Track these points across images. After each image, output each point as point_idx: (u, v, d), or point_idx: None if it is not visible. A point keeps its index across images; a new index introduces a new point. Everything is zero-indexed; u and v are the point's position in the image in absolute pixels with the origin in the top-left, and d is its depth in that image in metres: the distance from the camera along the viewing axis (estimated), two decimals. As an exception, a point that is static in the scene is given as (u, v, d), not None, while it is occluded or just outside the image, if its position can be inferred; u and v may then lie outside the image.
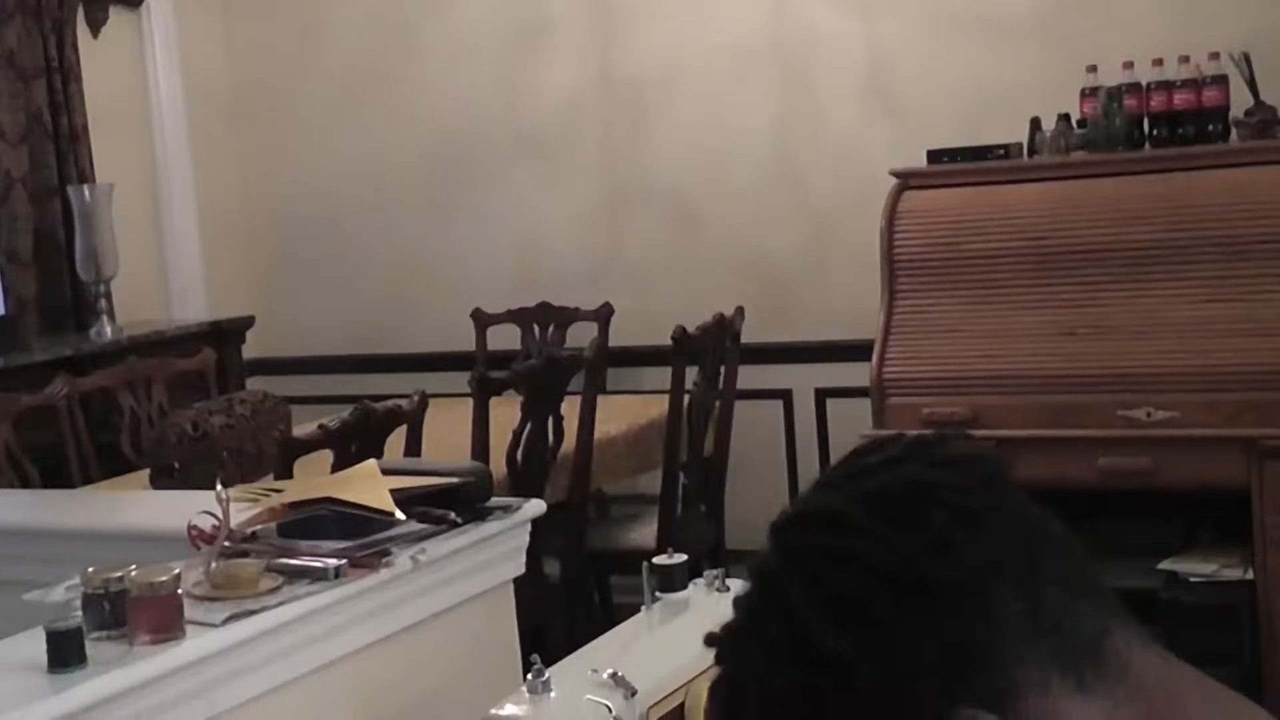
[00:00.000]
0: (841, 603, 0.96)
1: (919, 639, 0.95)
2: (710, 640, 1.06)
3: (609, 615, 4.12)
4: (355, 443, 3.30)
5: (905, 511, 0.99)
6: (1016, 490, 1.04)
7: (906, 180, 4.14)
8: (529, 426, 3.83)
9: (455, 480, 2.09)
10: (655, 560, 1.82)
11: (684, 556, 1.83)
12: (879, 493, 1.00)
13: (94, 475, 4.23)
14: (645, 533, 4.23)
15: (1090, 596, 1.00)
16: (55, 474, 4.15)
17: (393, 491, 2.03)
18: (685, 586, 1.82)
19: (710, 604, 1.77)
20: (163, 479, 3.60)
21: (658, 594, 1.81)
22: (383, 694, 1.98)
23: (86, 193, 4.95)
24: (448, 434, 3.80)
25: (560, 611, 3.81)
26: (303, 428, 3.57)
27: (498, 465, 3.52)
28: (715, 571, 1.83)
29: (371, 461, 2.21)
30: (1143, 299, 3.85)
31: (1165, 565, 3.82)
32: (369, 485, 2.05)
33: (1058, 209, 3.98)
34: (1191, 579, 3.78)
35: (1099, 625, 0.98)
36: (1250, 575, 3.71)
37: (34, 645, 1.64)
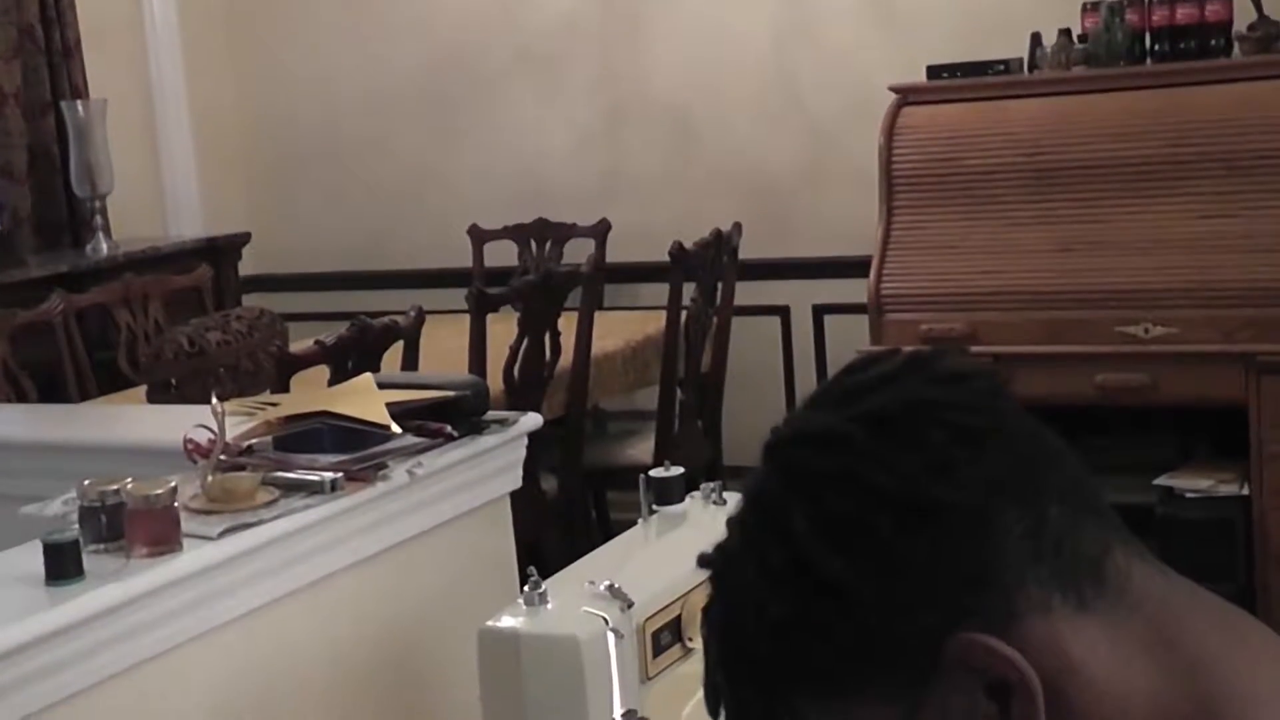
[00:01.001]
0: (841, 525, 0.96)
1: (920, 561, 0.94)
2: (704, 562, 1.06)
3: (605, 531, 4.14)
4: (352, 358, 3.29)
5: (904, 431, 0.98)
6: (1016, 407, 1.03)
7: (906, 96, 4.11)
8: (526, 342, 3.83)
9: (451, 394, 2.09)
10: (652, 473, 1.82)
11: (681, 469, 1.83)
12: (877, 412, 0.99)
13: (91, 391, 4.23)
14: (642, 448, 4.23)
15: (1091, 514, 0.99)
16: (52, 390, 4.15)
17: (389, 405, 2.02)
18: (682, 499, 1.82)
19: (707, 517, 1.77)
20: (159, 395, 3.60)
21: (654, 507, 1.81)
22: (380, 607, 1.98)
23: (80, 108, 4.91)
24: (445, 350, 3.80)
25: (557, 527, 3.82)
26: (299, 344, 3.57)
27: (495, 381, 3.51)
28: (712, 484, 1.83)
29: (367, 375, 2.20)
30: (1142, 215, 3.84)
31: (1162, 481, 3.83)
32: (365, 399, 2.05)
33: (1058, 125, 3.96)
34: (1188, 495, 3.79)
35: (1099, 543, 0.98)
36: (1246, 491, 3.72)
37: (31, 558, 1.64)
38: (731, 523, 1.04)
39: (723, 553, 1.04)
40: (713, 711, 1.07)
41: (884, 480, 0.96)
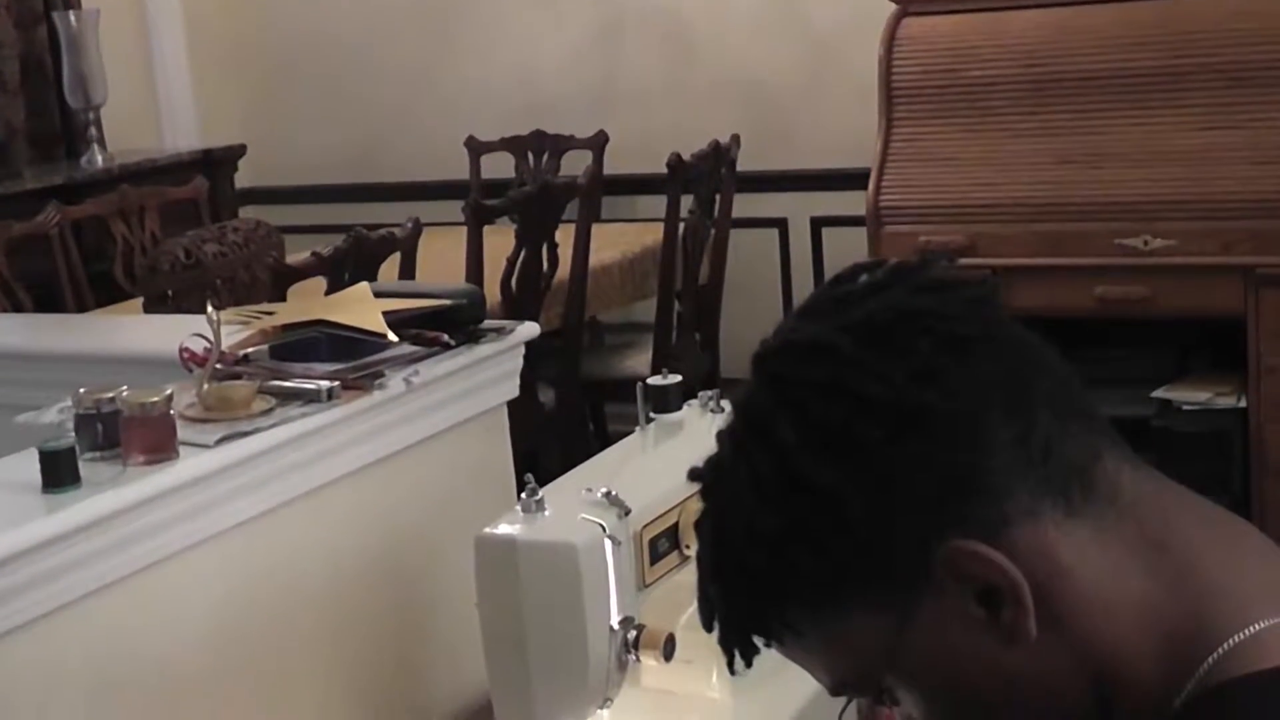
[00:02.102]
0: (830, 435, 0.96)
1: (909, 469, 0.94)
2: (695, 475, 1.06)
3: (603, 442, 4.14)
4: (348, 270, 3.29)
5: (893, 340, 0.97)
6: (1004, 315, 1.03)
7: (905, 7, 4.08)
8: (523, 254, 3.82)
9: (448, 302, 2.08)
10: (649, 381, 1.81)
11: (678, 377, 1.82)
12: (865, 321, 0.99)
13: (88, 304, 4.23)
14: (640, 360, 4.23)
15: (1080, 420, 0.99)
16: (49, 303, 4.15)
17: (385, 314, 2.01)
18: (680, 408, 1.82)
19: (705, 425, 1.76)
20: (156, 307, 3.59)
21: (652, 415, 1.80)
22: (377, 516, 1.98)
23: (72, 19, 4.88)
24: (442, 262, 3.79)
25: (554, 439, 3.83)
26: (296, 256, 3.55)
27: (492, 293, 3.51)
28: (710, 393, 1.82)
29: (363, 284, 2.19)
30: (1142, 126, 3.81)
31: (1159, 394, 3.83)
32: (361, 307, 2.04)
33: (1057, 36, 3.93)
34: (1184, 407, 3.80)
35: (1089, 449, 0.98)
36: (1243, 403, 3.73)
37: (28, 466, 1.64)
38: (722, 435, 1.04)
39: (713, 465, 1.04)
40: (706, 624, 1.07)
41: (873, 389, 0.96)
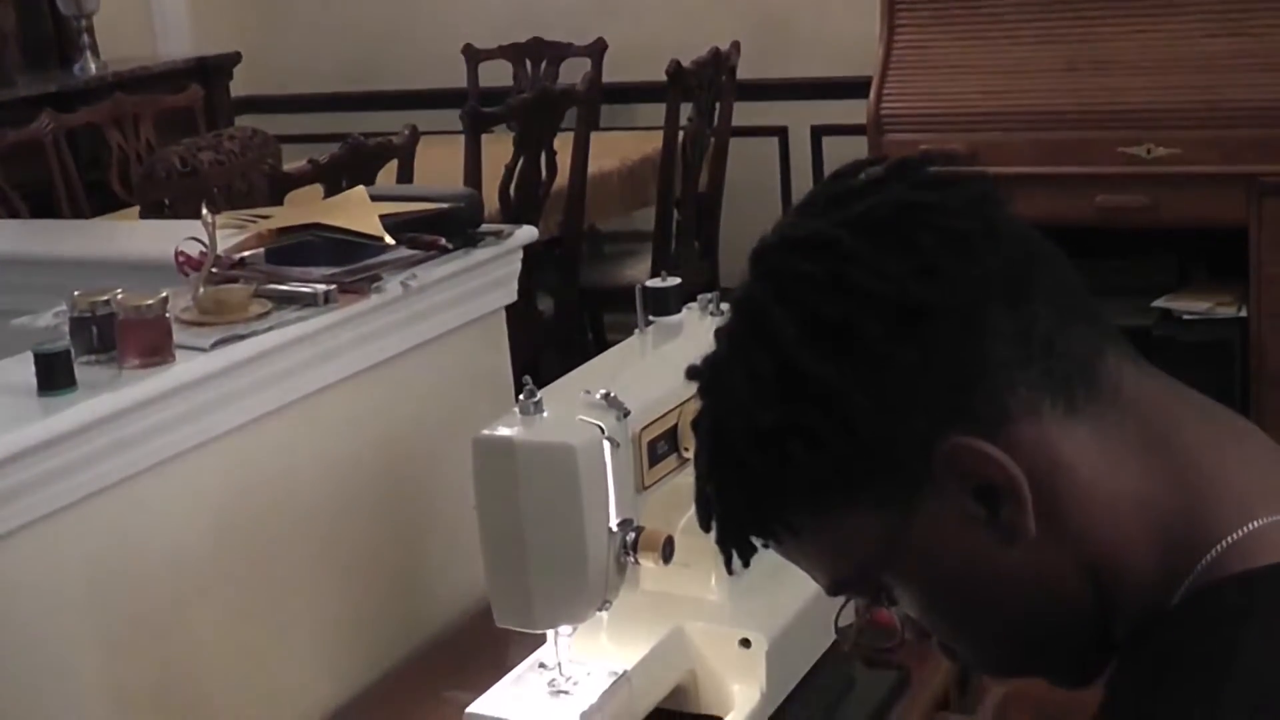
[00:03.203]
0: (830, 331, 0.95)
1: (909, 365, 0.93)
2: (692, 373, 1.05)
3: (602, 351, 4.13)
4: (345, 177, 3.27)
5: (893, 235, 0.96)
6: (1006, 211, 1.01)
7: (908, -90, 4.03)
8: (522, 162, 3.80)
9: (445, 206, 2.06)
10: (648, 283, 1.80)
11: (677, 280, 1.81)
12: (865, 216, 0.98)
13: (84, 212, 4.21)
14: (639, 269, 4.22)
15: (1082, 318, 0.98)
16: (45, 211, 4.13)
17: (382, 217, 2.00)
18: (679, 310, 1.81)
19: (704, 328, 1.75)
20: (152, 215, 3.57)
21: (650, 318, 1.79)
22: (374, 420, 1.98)
23: (63, -79, 4.82)
24: (439, 171, 3.77)
25: (553, 347, 3.82)
26: (293, 164, 3.53)
27: (490, 201, 3.49)
28: (709, 295, 1.81)
29: (360, 188, 2.17)
30: (1146, 33, 3.78)
31: (1160, 303, 3.83)
32: (358, 211, 2.02)
33: (1063, -61, 3.88)
34: (1185, 316, 3.79)
35: (1091, 346, 0.97)
36: (1244, 313, 3.72)
37: (23, 369, 1.63)
38: (720, 333, 1.03)
39: (711, 364, 1.03)
40: (704, 525, 1.07)
41: (872, 284, 0.95)
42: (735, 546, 1.06)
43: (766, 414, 0.97)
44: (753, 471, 1.00)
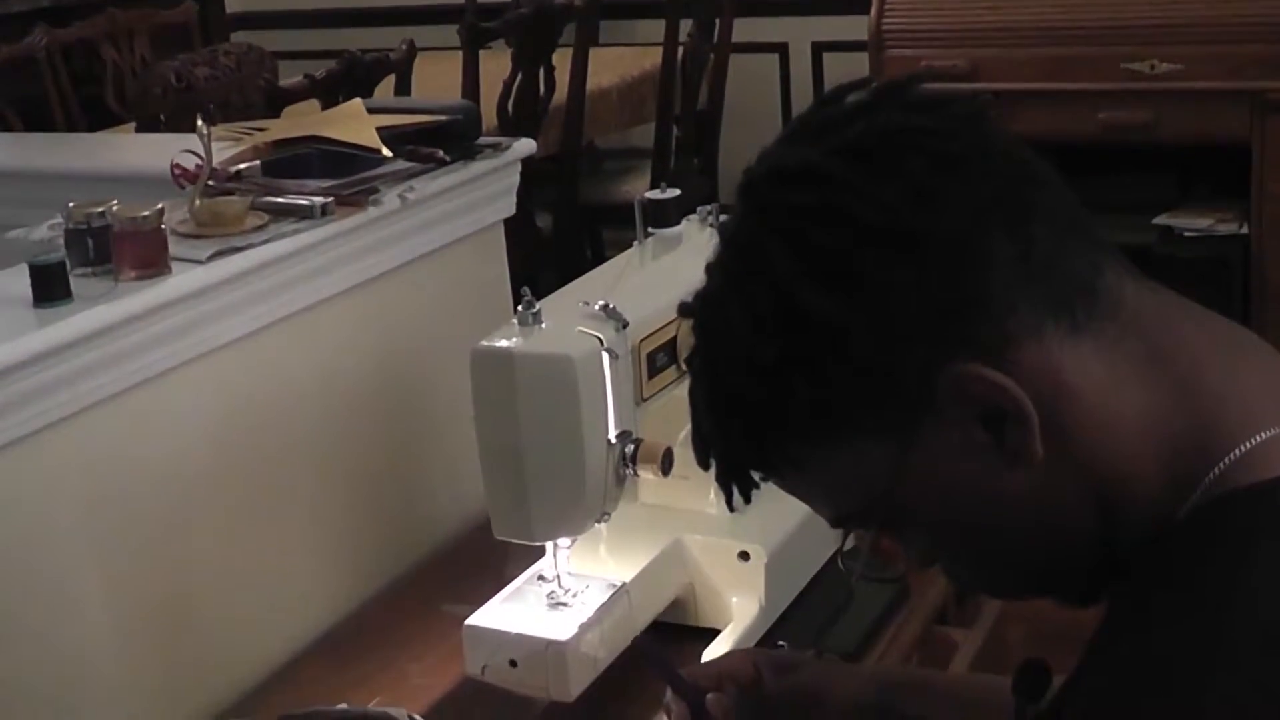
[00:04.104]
0: (825, 262, 0.93)
1: (909, 294, 0.92)
2: (685, 310, 1.04)
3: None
4: (342, 92, 3.24)
5: (884, 161, 0.95)
6: (998, 130, 1.00)
7: None
8: (520, 77, 3.77)
9: (443, 118, 2.04)
10: (647, 195, 1.78)
11: (677, 191, 1.79)
12: (855, 143, 0.96)
13: (79, 128, 4.19)
14: (638, 185, 4.20)
15: (1079, 235, 0.97)
16: (40, 127, 4.10)
17: (379, 129, 1.98)
18: (678, 222, 1.79)
19: (703, 240, 1.74)
20: (148, 132, 3.55)
21: (650, 229, 1.78)
22: (372, 333, 1.97)
23: None
24: (437, 86, 3.74)
25: (552, 263, 3.81)
26: (289, 80, 3.50)
27: (489, 116, 3.46)
28: (708, 207, 1.79)
29: (356, 100, 2.16)
30: (1150, -55, 3.74)
31: (1160, 220, 3.81)
32: (355, 123, 2.00)
33: None
34: (1186, 234, 3.78)
35: (1090, 264, 0.96)
36: (1245, 230, 3.71)
37: (18, 281, 1.62)
38: (711, 268, 1.02)
39: (704, 299, 1.02)
40: (703, 462, 1.06)
41: (866, 213, 0.93)
42: (736, 483, 1.06)
43: (765, 349, 0.96)
44: (753, 407, 0.99)
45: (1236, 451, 0.93)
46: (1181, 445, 0.94)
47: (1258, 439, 0.93)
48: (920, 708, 1.34)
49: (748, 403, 0.99)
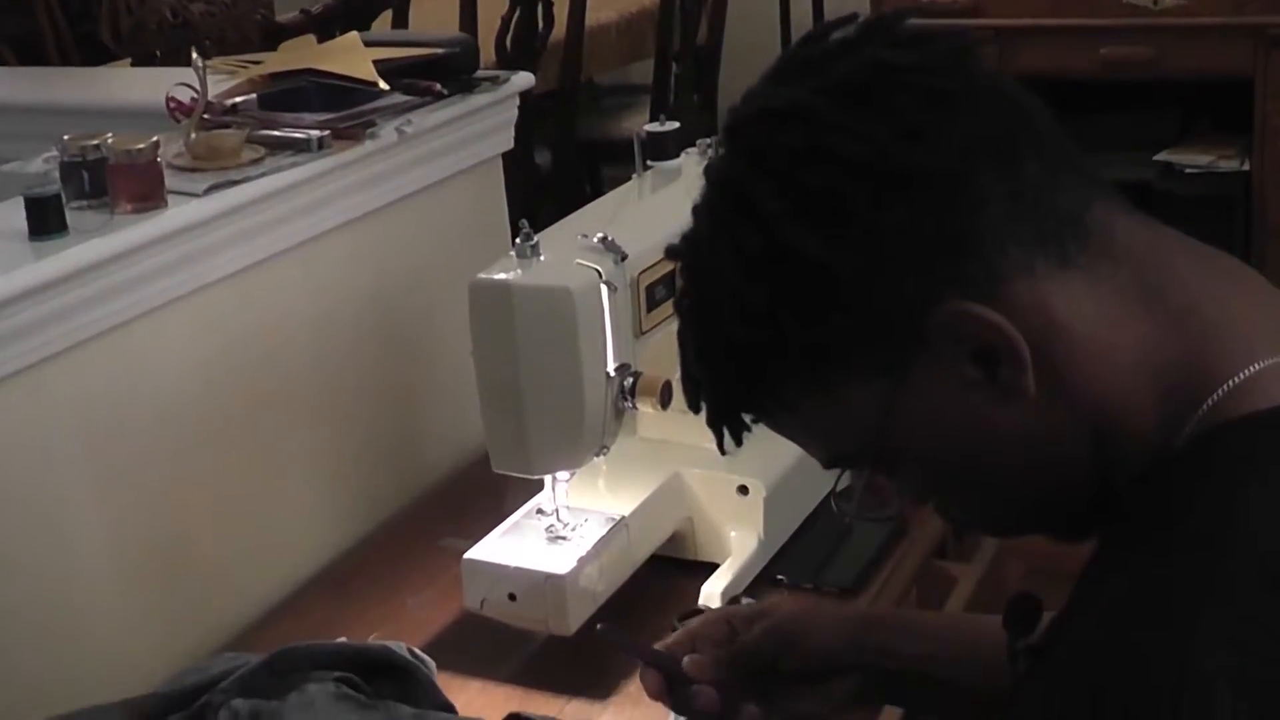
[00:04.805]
0: (815, 203, 0.93)
1: (899, 233, 0.92)
2: (672, 253, 1.03)
3: (600, 206, 4.11)
4: (339, 27, 3.22)
5: (872, 99, 0.94)
6: (985, 66, 0.99)
7: None
8: (518, 12, 3.74)
9: (440, 51, 2.03)
10: (647, 128, 1.77)
11: (676, 124, 1.78)
12: (842, 82, 0.95)
13: (75, 65, 4.15)
14: (637, 121, 4.17)
15: (1069, 170, 0.96)
16: (35, 64, 4.07)
17: (376, 62, 1.97)
18: (677, 155, 1.78)
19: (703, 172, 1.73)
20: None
21: (649, 163, 1.77)
22: (369, 267, 1.96)
23: None
24: (434, 22, 3.72)
25: (550, 199, 3.79)
26: (284, 15, 3.48)
27: (487, 52, 3.44)
28: (708, 140, 1.78)
29: (353, 33, 2.14)
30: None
31: (1161, 157, 3.79)
32: (351, 56, 1.99)
33: None
34: (1187, 170, 3.76)
35: (1080, 198, 0.96)
36: (1247, 166, 3.69)
37: (14, 214, 1.61)
38: (698, 209, 1.01)
39: (692, 242, 1.02)
40: (693, 405, 1.06)
41: (855, 151, 0.93)
42: (727, 425, 1.06)
43: (755, 291, 0.96)
44: (743, 350, 0.99)
45: (1231, 382, 0.92)
46: (1175, 377, 0.94)
47: (1252, 369, 0.93)
48: (904, 646, 1.34)
49: (738, 345, 0.99)
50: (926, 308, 0.92)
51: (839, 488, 1.12)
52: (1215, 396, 0.92)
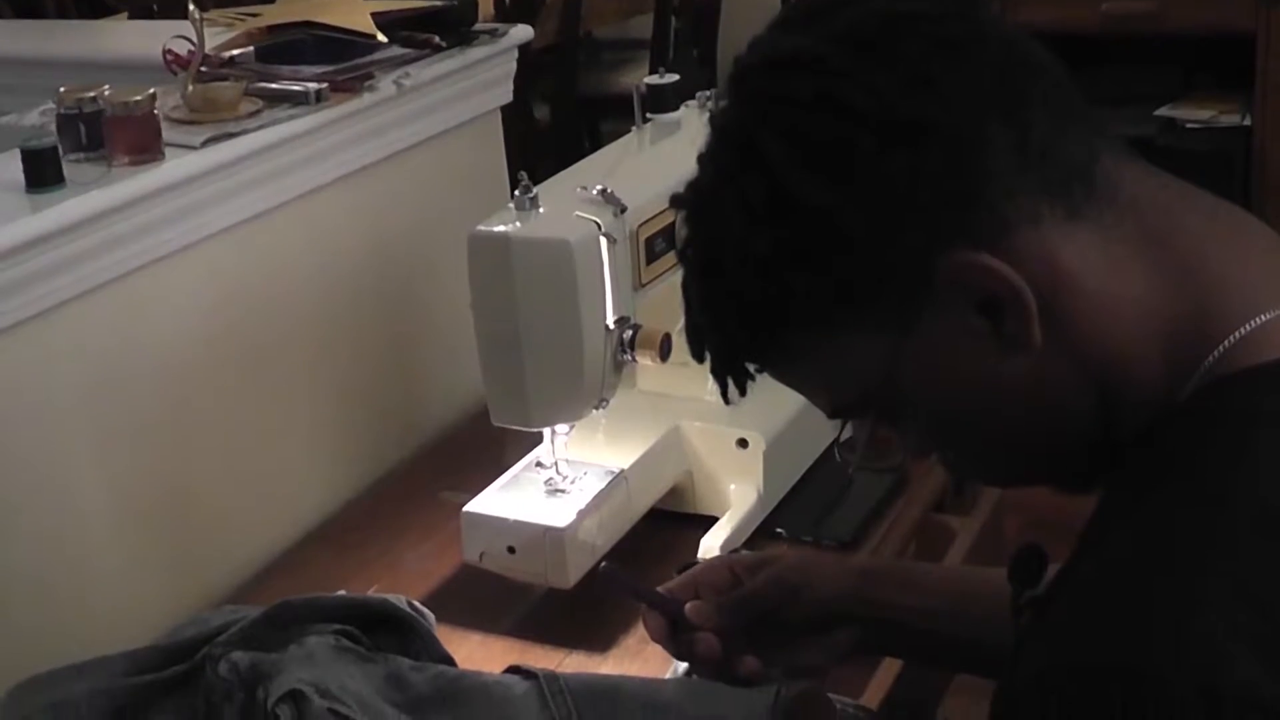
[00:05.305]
0: (822, 152, 0.92)
1: (906, 181, 0.91)
2: (677, 202, 1.03)
3: (599, 161, 4.09)
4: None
5: (879, 47, 0.93)
6: (993, 15, 0.99)
7: None
8: (516, -35, 3.72)
9: (439, 3, 2.02)
10: (646, 80, 1.77)
11: (676, 76, 1.78)
12: (849, 29, 0.94)
13: (72, 18, 4.14)
14: (636, 76, 4.15)
15: (1077, 120, 0.96)
16: (32, 18, 4.05)
17: (374, 15, 1.96)
18: (677, 108, 1.78)
19: (702, 125, 1.71)
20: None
21: (649, 115, 1.76)
22: (368, 220, 1.96)
23: None
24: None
25: (550, 155, 3.78)
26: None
27: (485, 6, 3.42)
28: (708, 92, 1.78)
29: (351, -15, 2.12)
30: None
31: (1163, 112, 3.78)
32: (349, 8, 1.98)
33: None
34: (1188, 125, 3.75)
35: (1087, 148, 0.95)
36: (1248, 121, 3.68)
37: (10, 167, 1.60)
38: (703, 159, 1.00)
39: (697, 191, 1.01)
40: (697, 355, 1.05)
41: (863, 100, 0.92)
42: (731, 375, 1.05)
43: (761, 240, 0.95)
44: (748, 299, 0.98)
45: (1237, 334, 0.92)
46: (1181, 328, 0.94)
47: (1258, 321, 0.92)
48: (905, 598, 1.34)
49: (743, 294, 0.99)
50: (932, 257, 0.92)
51: (842, 438, 1.12)
52: (1220, 349, 0.92)
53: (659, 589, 1.37)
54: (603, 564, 1.37)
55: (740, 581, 1.36)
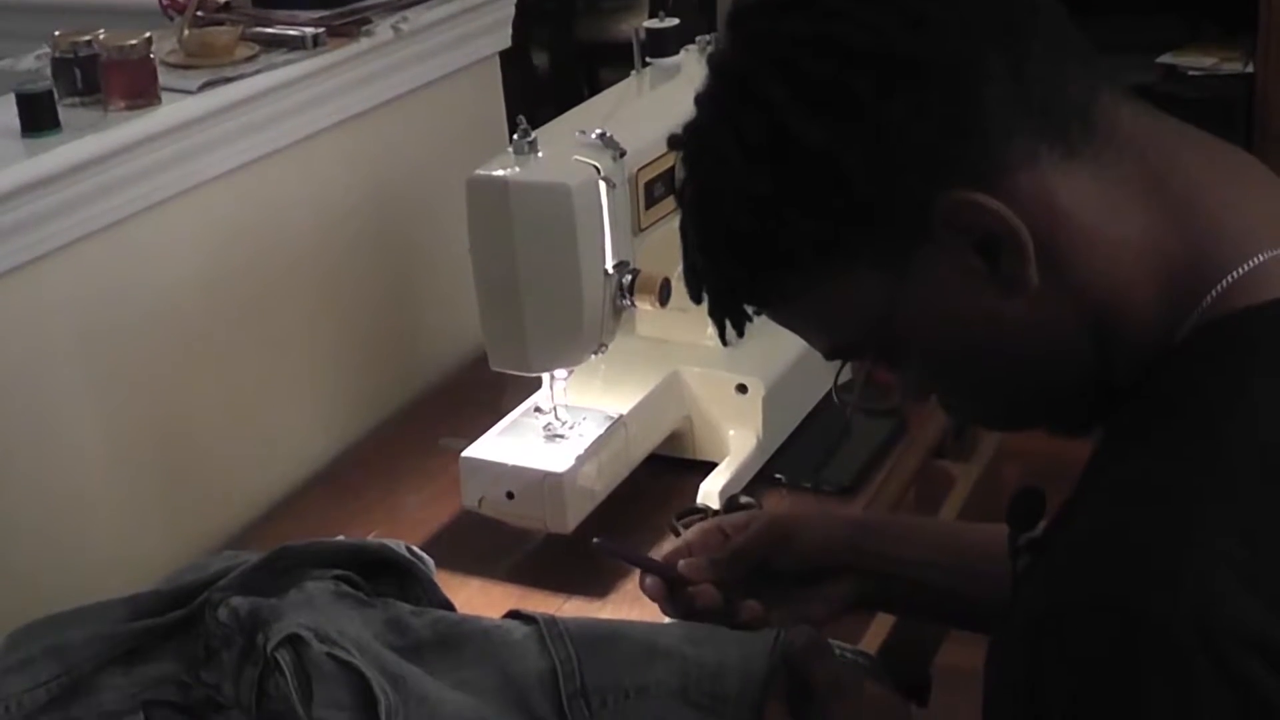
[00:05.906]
0: (820, 91, 0.92)
1: (904, 121, 0.91)
2: (674, 142, 1.02)
3: (598, 108, 4.08)
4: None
5: None
6: None
7: None
8: (515, -89, 3.70)
9: (436, -54, 2.00)
10: (646, 24, 1.76)
11: (675, 20, 1.77)
12: None
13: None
14: (636, 22, 4.14)
15: (1074, 59, 0.95)
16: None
17: (371, -41, 1.94)
18: (677, 52, 1.77)
19: (702, 69, 1.71)
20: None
21: (648, 59, 1.75)
22: (366, 165, 1.95)
23: None
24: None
25: (548, 102, 3.77)
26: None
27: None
28: (708, 36, 1.77)
29: (348, -71, 2.11)
30: None
31: (1164, 59, 3.75)
32: (346, -48, 1.96)
33: None
34: (1190, 73, 3.73)
35: (1085, 88, 0.95)
36: (1250, 69, 3.66)
37: (6, 111, 1.60)
38: (701, 99, 1.00)
39: (695, 131, 1.01)
40: (695, 296, 1.05)
41: (860, 40, 0.92)
42: (729, 317, 1.05)
43: (759, 180, 0.95)
44: (747, 238, 0.98)
45: (1235, 274, 0.92)
46: (1178, 269, 0.93)
47: (1256, 261, 0.92)
48: (901, 551, 1.34)
49: (741, 234, 0.98)
50: (930, 197, 0.92)
51: (840, 380, 1.12)
52: (1218, 289, 0.92)
53: (652, 555, 1.38)
54: (595, 539, 1.37)
55: (729, 538, 1.37)
